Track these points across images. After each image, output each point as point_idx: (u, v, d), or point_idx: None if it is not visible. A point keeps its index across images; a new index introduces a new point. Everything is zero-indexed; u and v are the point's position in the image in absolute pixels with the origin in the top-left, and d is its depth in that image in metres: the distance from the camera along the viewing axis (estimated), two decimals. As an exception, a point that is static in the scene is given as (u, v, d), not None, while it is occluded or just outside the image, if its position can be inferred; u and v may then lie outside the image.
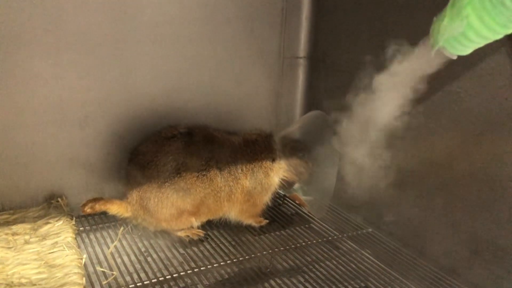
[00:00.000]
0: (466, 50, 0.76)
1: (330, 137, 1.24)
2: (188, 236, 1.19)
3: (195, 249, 1.16)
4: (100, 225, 1.23)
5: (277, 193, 1.33)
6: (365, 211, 1.30)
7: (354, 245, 1.21)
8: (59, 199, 1.23)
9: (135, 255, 1.11)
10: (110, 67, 1.23)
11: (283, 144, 1.26)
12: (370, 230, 1.27)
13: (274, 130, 1.30)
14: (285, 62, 1.51)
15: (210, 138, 1.19)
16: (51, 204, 1.22)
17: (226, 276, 1.06)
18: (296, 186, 1.38)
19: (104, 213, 1.18)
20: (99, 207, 1.14)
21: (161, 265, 1.08)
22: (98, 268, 1.04)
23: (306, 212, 1.38)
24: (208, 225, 1.25)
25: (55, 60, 1.16)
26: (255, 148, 1.23)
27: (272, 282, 1.03)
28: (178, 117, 1.30)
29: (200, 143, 1.17)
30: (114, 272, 1.02)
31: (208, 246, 1.18)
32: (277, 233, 1.26)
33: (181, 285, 1.01)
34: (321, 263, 1.12)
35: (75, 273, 0.94)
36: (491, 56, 0.92)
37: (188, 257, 1.12)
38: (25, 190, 1.21)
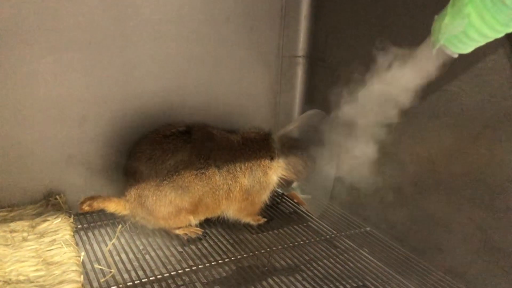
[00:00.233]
0: (467, 49, 0.76)
1: (328, 136, 1.24)
2: (186, 234, 1.19)
3: (193, 247, 1.16)
4: (98, 223, 1.23)
5: (276, 191, 1.33)
6: (363, 210, 1.31)
7: (352, 244, 1.21)
8: (57, 197, 1.23)
9: (133, 253, 1.11)
10: (109, 65, 1.23)
11: (282, 143, 1.26)
12: (368, 228, 1.28)
13: (272, 129, 1.30)
14: (284, 61, 1.51)
15: (208, 137, 1.19)
16: (49, 202, 1.22)
17: (224, 275, 1.06)
18: (295, 184, 1.38)
19: (102, 211, 1.18)
20: (97, 205, 1.14)
21: (159, 263, 1.08)
22: (96, 266, 1.04)
23: (304, 210, 1.38)
24: (206, 223, 1.25)
25: (54, 58, 1.16)
26: (253, 146, 1.23)
27: (270, 280, 1.03)
28: (177, 115, 1.30)
29: (199, 142, 1.17)
30: (112, 270, 1.03)
31: (206, 244, 1.18)
32: (275, 231, 1.26)
33: (179, 283, 1.01)
34: (319, 262, 1.12)
35: (73, 270, 0.95)
36: (489, 56, 0.92)
37: (186, 255, 1.13)
38: (24, 188, 1.21)
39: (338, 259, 1.13)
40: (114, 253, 1.11)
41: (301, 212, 1.38)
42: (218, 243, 1.19)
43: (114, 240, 1.16)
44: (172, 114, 1.32)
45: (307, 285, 1.02)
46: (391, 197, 1.21)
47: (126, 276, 1.01)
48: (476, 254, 1.00)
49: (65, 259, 0.98)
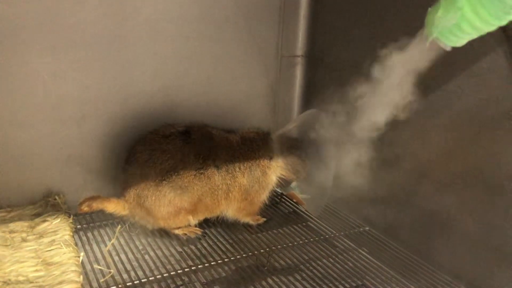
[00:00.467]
0: (460, 42, 0.76)
1: (327, 136, 1.24)
2: (185, 234, 1.19)
3: (193, 247, 1.16)
4: (98, 223, 1.23)
5: (275, 191, 1.33)
6: (362, 210, 1.31)
7: (351, 243, 1.21)
8: (56, 197, 1.23)
9: (133, 253, 1.11)
10: (108, 65, 1.23)
11: (281, 143, 1.26)
12: (367, 228, 1.28)
13: (271, 129, 1.30)
14: (283, 61, 1.51)
15: (207, 136, 1.19)
16: (48, 202, 1.22)
17: (224, 274, 1.06)
18: (294, 184, 1.38)
19: (102, 211, 1.18)
20: (96, 205, 1.14)
21: (158, 263, 1.08)
22: (96, 266, 1.04)
23: (303, 210, 1.38)
24: (205, 223, 1.25)
25: (52, 58, 1.16)
26: (252, 146, 1.23)
27: (269, 280, 1.03)
28: (175, 115, 1.30)
29: (198, 141, 1.17)
30: (111, 270, 1.03)
31: (205, 244, 1.18)
32: (275, 231, 1.26)
33: (178, 283, 1.01)
34: (318, 261, 1.12)
35: (73, 271, 0.95)
36: (488, 55, 0.93)
37: (185, 255, 1.13)
38: (23, 188, 1.21)
39: (337, 259, 1.13)
40: (114, 253, 1.11)
41: (300, 212, 1.38)
42: (218, 243, 1.19)
43: (113, 240, 1.16)
44: (171, 114, 1.32)
45: (306, 284, 1.02)
46: (390, 197, 1.21)
47: (125, 276, 1.01)
48: (475, 254, 1.00)
49: (64, 260, 0.98)
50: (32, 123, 1.18)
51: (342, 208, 1.37)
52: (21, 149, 1.18)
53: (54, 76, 1.17)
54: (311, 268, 1.09)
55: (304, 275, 1.06)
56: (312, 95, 1.52)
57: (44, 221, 1.13)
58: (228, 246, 1.17)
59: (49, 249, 1.02)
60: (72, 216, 1.18)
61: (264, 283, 1.02)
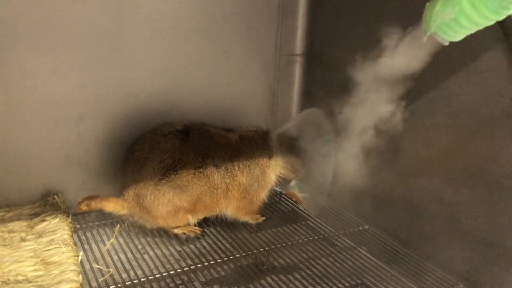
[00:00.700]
0: (458, 36, 0.76)
1: (326, 134, 1.24)
2: (184, 233, 1.19)
3: (192, 246, 1.16)
4: (97, 223, 1.23)
5: (274, 190, 1.33)
6: (361, 208, 1.31)
7: (350, 242, 1.21)
8: (55, 197, 1.23)
9: (132, 253, 1.11)
10: (107, 65, 1.23)
11: (280, 141, 1.26)
12: (366, 227, 1.28)
13: (270, 127, 1.30)
14: (281, 59, 1.51)
15: (206, 135, 1.19)
16: (47, 202, 1.21)
17: (223, 273, 1.06)
18: (293, 183, 1.38)
19: (101, 211, 1.18)
20: (95, 205, 1.13)
21: (157, 262, 1.08)
22: (95, 266, 1.04)
23: (302, 209, 1.38)
24: (204, 222, 1.25)
25: (51, 57, 1.15)
26: (251, 145, 1.23)
27: (268, 279, 1.03)
28: (174, 114, 1.30)
29: (197, 140, 1.17)
30: (111, 269, 1.02)
31: (204, 243, 1.18)
32: (274, 230, 1.26)
33: (177, 282, 1.01)
34: (317, 260, 1.12)
35: (72, 270, 0.94)
36: (486, 53, 0.93)
37: (184, 254, 1.13)
38: (21, 188, 1.21)
39: (336, 258, 1.13)
40: (113, 252, 1.11)
41: (300, 211, 1.38)
42: (217, 242, 1.19)
43: (112, 240, 1.16)
44: (170, 113, 1.31)
45: (305, 283, 1.02)
46: (389, 195, 1.21)
47: (124, 275, 1.01)
48: (475, 252, 1.00)
49: (63, 259, 0.98)
50: (30, 123, 1.17)
51: (341, 207, 1.37)
52: (20, 148, 1.18)
53: (53, 75, 1.17)
54: (310, 267, 1.09)
55: (303, 274, 1.06)
56: (311, 93, 1.52)
57: (43, 220, 1.13)
58: (227, 245, 1.17)
59: (48, 248, 1.02)
60: (71, 215, 1.18)
61: (263, 282, 1.02)
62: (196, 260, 1.09)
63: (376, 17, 1.19)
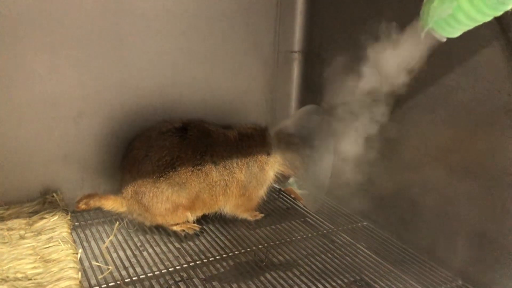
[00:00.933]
0: (456, 32, 0.76)
1: (325, 131, 1.24)
2: (183, 230, 1.19)
3: (191, 243, 1.16)
4: (96, 220, 1.23)
5: (272, 187, 1.34)
6: (360, 205, 1.31)
7: (349, 239, 1.22)
8: (54, 194, 1.23)
9: (131, 250, 1.11)
10: (105, 62, 1.23)
11: (278, 138, 1.26)
12: (365, 223, 1.28)
13: (269, 124, 1.30)
14: (280, 56, 1.51)
15: (205, 133, 1.19)
16: (46, 199, 1.21)
17: (222, 270, 1.06)
18: (291, 180, 1.38)
19: (99, 208, 1.18)
20: (93, 203, 1.14)
21: (156, 260, 1.08)
22: (94, 263, 1.04)
23: (301, 206, 1.39)
24: (203, 220, 1.25)
25: (49, 55, 1.15)
26: (250, 142, 1.23)
27: (267, 275, 1.03)
28: (172, 112, 1.30)
29: (195, 138, 1.17)
30: (110, 267, 1.03)
31: (203, 240, 1.18)
32: (273, 227, 1.26)
33: (177, 279, 1.01)
34: (316, 256, 1.12)
35: (71, 267, 0.95)
36: (484, 50, 0.93)
37: (183, 251, 1.13)
38: (20, 185, 1.21)
39: (335, 254, 1.14)
40: (112, 250, 1.11)
41: (298, 208, 1.39)
42: (216, 239, 1.19)
43: (111, 237, 1.16)
44: (168, 110, 1.31)
45: (304, 279, 1.03)
46: (388, 192, 1.22)
47: (124, 272, 1.01)
48: (472, 247, 1.00)
49: (62, 257, 0.98)
50: (29, 121, 1.17)
51: (340, 203, 1.38)
52: (18, 146, 1.18)
53: (51, 73, 1.17)
54: (309, 263, 1.09)
55: (302, 270, 1.07)
56: (309, 90, 1.52)
57: (42, 218, 1.13)
58: (226, 242, 1.17)
59: (47, 246, 1.02)
60: (70, 213, 1.18)
61: (262, 278, 1.02)
62: (195, 257, 1.10)
63: (374, 13, 1.19)
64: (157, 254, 1.10)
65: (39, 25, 1.12)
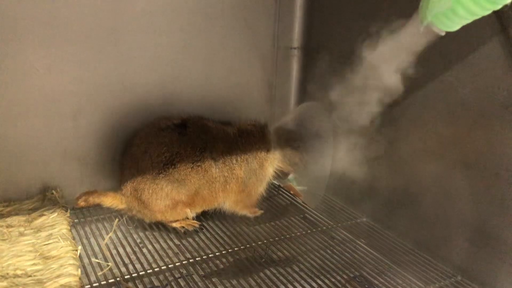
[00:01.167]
0: (455, 26, 0.76)
1: (324, 128, 1.24)
2: (183, 227, 1.19)
3: (190, 240, 1.16)
4: (95, 217, 1.23)
5: (272, 183, 1.34)
6: (359, 201, 1.31)
7: (348, 235, 1.22)
8: (53, 191, 1.23)
9: (130, 246, 1.11)
10: (103, 59, 1.22)
11: (278, 135, 1.26)
12: (364, 219, 1.28)
13: (268, 121, 1.30)
14: (279, 53, 1.51)
15: (204, 129, 1.19)
16: (45, 196, 1.21)
17: (222, 266, 1.06)
18: (291, 176, 1.38)
19: (99, 205, 1.18)
20: (93, 200, 1.14)
21: (156, 256, 1.08)
22: (93, 260, 1.04)
23: (300, 202, 1.39)
24: (203, 216, 1.26)
25: (47, 51, 1.15)
26: (249, 138, 1.23)
27: (267, 271, 1.04)
28: (172, 108, 1.30)
29: (194, 134, 1.16)
30: (109, 263, 1.03)
31: (203, 237, 1.18)
32: (272, 223, 1.26)
33: (176, 276, 1.01)
34: (315, 253, 1.12)
35: (70, 264, 0.95)
36: (484, 45, 0.93)
37: (183, 248, 1.13)
38: (19, 183, 1.21)
39: (334, 250, 1.14)
40: (111, 246, 1.11)
41: (298, 204, 1.39)
42: (215, 235, 1.19)
43: (111, 234, 1.16)
44: (167, 107, 1.31)
45: (304, 276, 1.03)
46: (387, 188, 1.22)
47: (123, 269, 1.02)
48: (471, 243, 1.00)
49: (62, 253, 0.98)
50: (27, 118, 1.17)
51: (339, 199, 1.38)
52: (17, 143, 1.18)
53: (49, 69, 1.16)
54: (308, 259, 1.09)
55: (301, 266, 1.07)
56: (308, 86, 1.51)
57: (41, 215, 1.13)
58: (226, 238, 1.18)
59: (46, 243, 1.02)
60: (69, 210, 1.18)
61: (262, 274, 1.02)
62: (195, 254, 1.10)
63: (374, 9, 1.18)
64: (156, 251, 1.10)
65: (37, 22, 1.12)
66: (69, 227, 1.10)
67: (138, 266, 1.03)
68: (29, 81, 1.15)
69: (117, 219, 1.22)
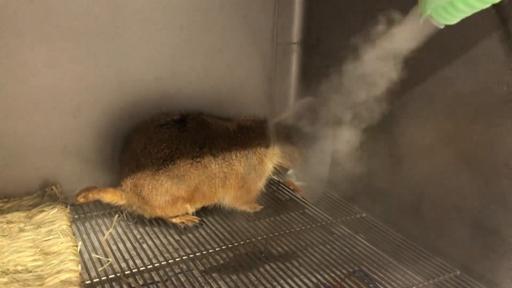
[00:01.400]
0: (454, 20, 0.76)
1: (323, 123, 1.24)
2: (183, 222, 1.19)
3: (190, 235, 1.17)
4: (95, 213, 1.23)
5: (271, 179, 1.34)
6: (359, 196, 1.31)
7: (348, 230, 1.22)
8: (53, 187, 1.23)
9: (131, 242, 1.12)
10: (102, 55, 1.22)
11: (277, 130, 1.26)
12: (363, 214, 1.28)
13: (268, 116, 1.30)
14: (278, 48, 1.50)
15: (204, 125, 1.19)
16: (45, 192, 1.22)
17: (222, 262, 1.06)
18: (290, 172, 1.38)
19: (99, 201, 1.18)
20: (92, 196, 1.14)
21: (156, 252, 1.08)
22: (94, 255, 1.04)
23: (300, 197, 1.39)
24: (203, 212, 1.26)
25: (47, 48, 1.15)
26: (249, 134, 1.23)
27: (267, 266, 1.04)
28: (171, 104, 1.30)
29: (194, 130, 1.17)
30: (110, 259, 1.03)
31: (203, 232, 1.18)
32: (272, 218, 1.27)
33: (176, 271, 1.02)
34: (315, 248, 1.13)
35: (71, 260, 0.95)
36: (483, 40, 0.92)
37: (183, 243, 1.13)
38: (19, 179, 1.21)
39: (334, 245, 1.14)
40: (111, 242, 1.11)
41: (297, 199, 1.39)
42: (215, 231, 1.19)
43: (111, 230, 1.16)
44: (167, 103, 1.31)
45: (303, 271, 1.03)
46: (386, 183, 1.22)
47: (124, 265, 1.02)
48: (471, 238, 1.00)
49: (62, 249, 0.98)
50: (27, 114, 1.17)
51: (339, 195, 1.38)
52: (17, 140, 1.18)
53: (48, 66, 1.16)
54: (308, 254, 1.10)
55: (301, 261, 1.07)
56: (308, 82, 1.51)
57: (41, 211, 1.13)
58: (225, 234, 1.18)
59: (47, 238, 1.02)
60: (69, 206, 1.18)
61: (261, 270, 1.03)
62: (195, 249, 1.10)
63: (373, 4, 1.18)
64: (156, 246, 1.11)
65: (36, 18, 1.12)
66: (69, 223, 1.10)
67: (138, 261, 1.04)
68: (29, 77, 1.15)
69: (117, 215, 1.22)
